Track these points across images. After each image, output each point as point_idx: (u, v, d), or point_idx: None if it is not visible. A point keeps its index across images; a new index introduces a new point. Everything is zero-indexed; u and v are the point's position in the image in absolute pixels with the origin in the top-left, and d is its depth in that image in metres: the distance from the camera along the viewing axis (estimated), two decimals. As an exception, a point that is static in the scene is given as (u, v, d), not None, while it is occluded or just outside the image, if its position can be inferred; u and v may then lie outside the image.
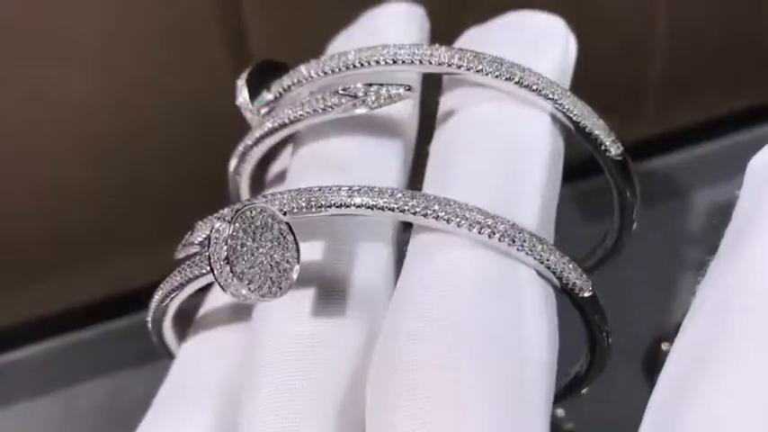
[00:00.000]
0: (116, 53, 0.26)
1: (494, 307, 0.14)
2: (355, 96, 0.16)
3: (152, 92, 0.25)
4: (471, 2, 0.29)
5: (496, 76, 0.16)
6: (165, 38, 0.24)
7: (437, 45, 0.17)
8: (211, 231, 0.14)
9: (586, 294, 0.15)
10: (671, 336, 0.31)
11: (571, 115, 0.16)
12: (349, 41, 0.20)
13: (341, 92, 0.16)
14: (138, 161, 0.27)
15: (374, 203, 0.15)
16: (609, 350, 0.16)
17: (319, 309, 0.15)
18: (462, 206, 0.14)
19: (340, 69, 0.17)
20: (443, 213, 0.14)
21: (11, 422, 0.28)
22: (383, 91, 0.16)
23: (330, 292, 0.15)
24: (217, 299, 0.18)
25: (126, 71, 0.25)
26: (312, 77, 0.17)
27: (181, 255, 0.17)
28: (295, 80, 0.18)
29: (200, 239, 0.16)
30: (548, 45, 0.18)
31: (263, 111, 0.18)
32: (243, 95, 0.18)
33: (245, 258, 0.14)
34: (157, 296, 0.17)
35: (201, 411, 0.16)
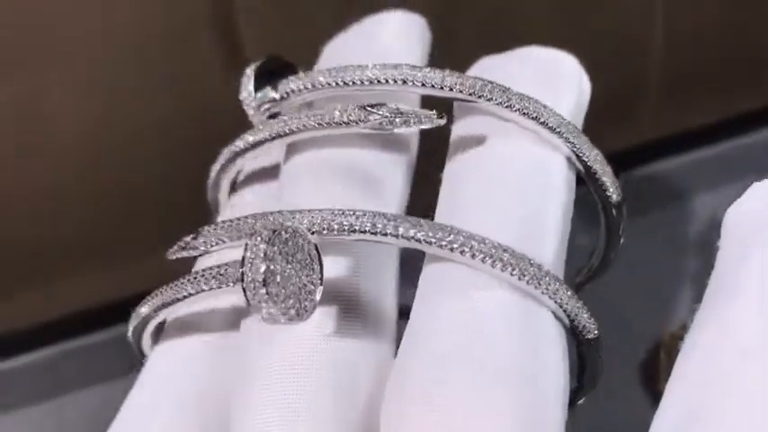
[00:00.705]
0: (113, 57, 0.25)
1: (518, 351, 0.14)
2: (384, 115, 0.15)
3: (148, 96, 0.25)
4: (463, 10, 0.29)
5: (523, 114, 0.16)
6: (160, 42, 0.24)
7: (466, 74, 0.16)
8: (246, 250, 0.13)
9: (590, 336, 0.16)
10: (668, 343, 0.31)
11: (585, 159, 0.17)
12: (346, 47, 0.19)
13: (368, 108, 0.16)
14: (137, 164, 0.27)
15: (407, 234, 0.14)
16: (600, 373, 0.17)
17: (331, 328, 0.15)
18: (496, 245, 0.14)
19: (360, 83, 0.17)
20: (477, 252, 0.14)
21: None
22: (414, 114, 0.16)
23: (342, 312, 0.15)
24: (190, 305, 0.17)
25: (122, 76, 0.25)
26: (325, 86, 0.17)
27: (176, 256, 0.16)
28: (308, 85, 0.17)
29: (203, 247, 0.16)
30: (565, 84, 0.18)
31: (265, 107, 0.17)
32: (248, 89, 0.17)
33: (278, 280, 0.13)
34: (146, 308, 0.16)
35: (164, 423, 0.15)
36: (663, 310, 0.32)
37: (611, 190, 0.17)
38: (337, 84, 0.17)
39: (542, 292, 0.14)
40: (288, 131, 0.16)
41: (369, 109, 0.16)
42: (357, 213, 0.14)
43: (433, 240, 0.14)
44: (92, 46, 0.25)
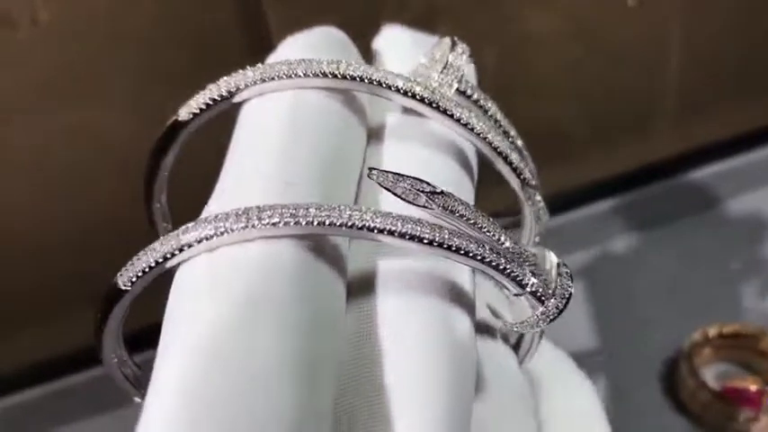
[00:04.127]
0: (149, 90, 0.26)
1: None
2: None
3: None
4: (485, 36, 0.29)
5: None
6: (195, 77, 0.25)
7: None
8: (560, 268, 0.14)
9: None
10: (688, 354, 0.31)
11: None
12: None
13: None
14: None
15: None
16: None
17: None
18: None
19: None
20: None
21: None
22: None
23: None
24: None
25: (158, 107, 0.26)
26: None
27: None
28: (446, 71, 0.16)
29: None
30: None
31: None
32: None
33: None
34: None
35: None
36: (682, 321, 0.33)
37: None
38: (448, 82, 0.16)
39: None
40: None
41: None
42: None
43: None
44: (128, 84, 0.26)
